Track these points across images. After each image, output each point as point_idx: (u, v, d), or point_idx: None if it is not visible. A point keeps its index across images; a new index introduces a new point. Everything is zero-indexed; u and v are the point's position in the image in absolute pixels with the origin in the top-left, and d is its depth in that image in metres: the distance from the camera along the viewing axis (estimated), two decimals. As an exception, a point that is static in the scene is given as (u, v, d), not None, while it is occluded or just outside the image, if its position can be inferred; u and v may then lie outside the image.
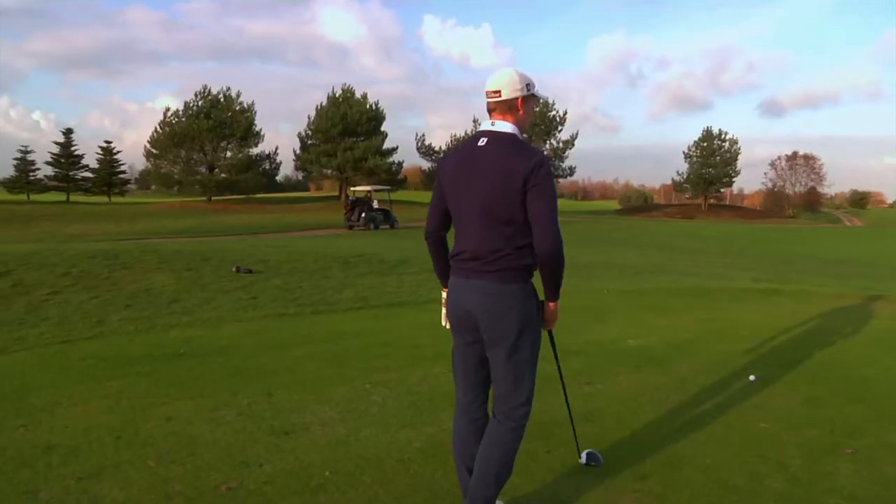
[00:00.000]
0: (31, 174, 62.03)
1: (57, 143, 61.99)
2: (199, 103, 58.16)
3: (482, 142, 2.63)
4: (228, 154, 60.63)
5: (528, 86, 2.67)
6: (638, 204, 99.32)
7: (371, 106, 60.44)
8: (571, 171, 68.72)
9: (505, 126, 2.64)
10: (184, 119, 57.48)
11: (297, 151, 62.52)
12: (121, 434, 3.94)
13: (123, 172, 67.19)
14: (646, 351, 6.01)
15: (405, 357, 5.83)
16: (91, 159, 64.86)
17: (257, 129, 60.12)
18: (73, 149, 62.28)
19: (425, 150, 66.80)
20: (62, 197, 60.24)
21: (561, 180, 71.77)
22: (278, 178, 75.56)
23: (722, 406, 4.47)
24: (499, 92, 2.63)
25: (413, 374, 5.21)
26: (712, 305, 8.77)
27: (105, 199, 63.45)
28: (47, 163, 61.42)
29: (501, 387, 2.72)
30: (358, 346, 6.37)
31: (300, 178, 74.40)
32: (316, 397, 4.64)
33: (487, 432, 2.75)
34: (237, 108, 59.17)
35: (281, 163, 64.61)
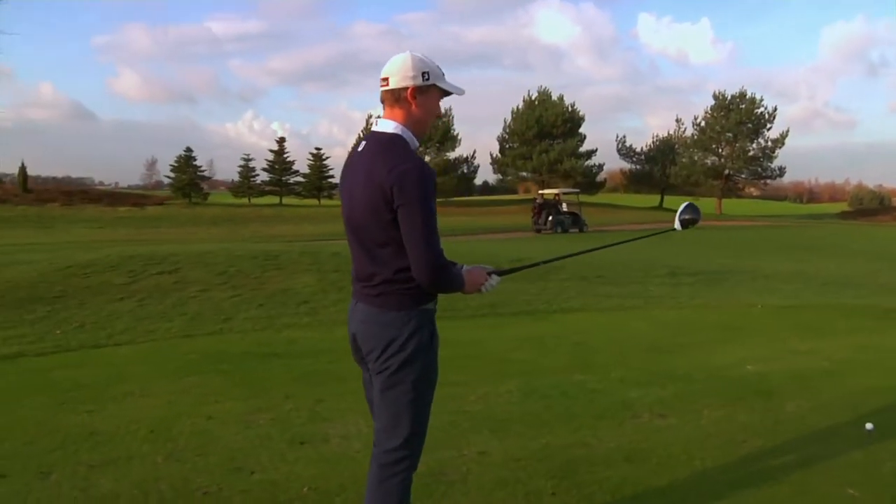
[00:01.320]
0: (251, 179, 68.79)
1: (272, 151, 68.33)
2: (399, 110, 61.16)
3: (362, 146, 2.35)
4: (427, 158, 63.12)
5: (426, 74, 2.28)
6: (872, 206, 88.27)
7: (567, 108, 59.99)
8: (781, 171, 63.30)
9: (387, 125, 2.31)
10: (384, 126, 60.76)
11: (495, 154, 63.72)
12: (155, 428, 4.17)
13: (332, 177, 72.24)
14: (760, 381, 5.26)
15: (483, 371, 5.62)
16: (303, 165, 70.73)
17: (454, 133, 61.99)
18: (285, 156, 68.28)
19: (626, 152, 65.05)
20: (276, 200, 66.17)
21: (770, 181, 66.19)
22: (492, 181, 77.59)
23: (809, 459, 3.74)
24: (387, 80, 2.30)
25: (476, 391, 4.99)
26: (885, 329, 7.51)
27: (315, 202, 68.69)
28: (264, 169, 67.89)
29: (378, 423, 2.44)
30: (444, 356, 6.22)
31: (501, 180, 75.27)
32: (360, 407, 4.58)
33: (369, 476, 2.47)
34: (434, 113, 61.39)
35: (479, 166, 66.17)
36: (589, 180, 59.26)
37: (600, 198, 61.26)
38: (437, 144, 61.65)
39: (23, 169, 49.53)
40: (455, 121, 62.55)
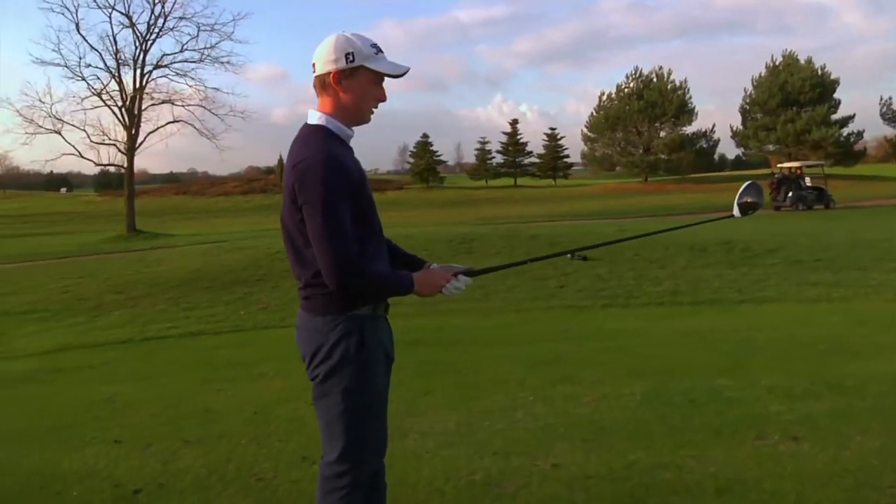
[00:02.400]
0: (488, 161, 70.61)
1: (505, 133, 69.50)
2: (631, 85, 59.02)
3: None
4: (661, 134, 60.29)
5: (350, 56, 2.04)
6: None
7: (816, 70, 53.61)
8: None
9: (312, 116, 2.11)
10: (616, 101, 59.03)
11: (736, 127, 59.09)
12: (259, 411, 4.36)
13: (567, 157, 71.69)
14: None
15: (620, 368, 5.13)
16: (538, 146, 71.06)
17: (691, 106, 58.53)
18: (518, 137, 69.10)
19: (891, 116, 56.60)
20: (511, 182, 67.23)
21: None
22: (743, 156, 72.53)
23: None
24: (314, 65, 2.10)
25: (596, 391, 4.56)
26: None
27: (550, 182, 68.72)
28: (498, 151, 69.31)
29: (321, 433, 2.23)
30: (588, 350, 5.85)
31: (744, 153, 69.62)
32: (462, 403, 4.42)
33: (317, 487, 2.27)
34: (669, 86, 58.34)
35: (719, 140, 61.90)
36: (843, 150, 52.62)
37: (860, 169, 54.21)
38: (672, 119, 58.64)
39: (280, 161, 55.65)
40: (694, 93, 59.08)
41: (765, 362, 5.16)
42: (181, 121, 33.19)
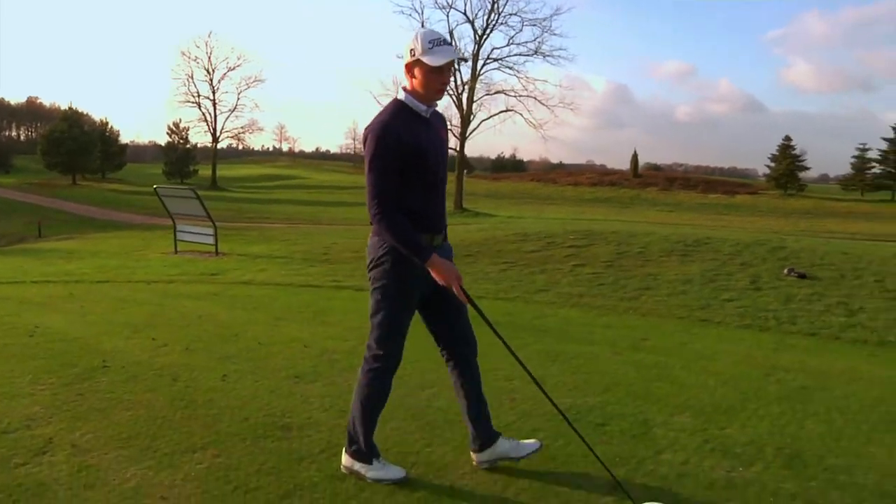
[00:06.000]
0: (866, 172, 60.82)
1: (885, 140, 58.89)
2: None
3: None
4: None
5: (412, 51, 2.60)
6: None
7: None
8: None
9: (400, 93, 2.71)
10: None
11: None
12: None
13: None
14: None
15: (666, 399, 4.56)
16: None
17: None
18: (903, 145, 58.04)
19: None
20: (889, 196, 57.03)
21: None
22: None
23: None
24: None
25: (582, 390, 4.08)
26: None
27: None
28: (876, 161, 59.23)
29: None
30: (671, 365, 5.22)
31: None
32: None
33: None
34: None
35: None
36: None
37: None
38: None
39: (634, 157, 55.17)
40: None
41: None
42: (512, 110, 34.89)
